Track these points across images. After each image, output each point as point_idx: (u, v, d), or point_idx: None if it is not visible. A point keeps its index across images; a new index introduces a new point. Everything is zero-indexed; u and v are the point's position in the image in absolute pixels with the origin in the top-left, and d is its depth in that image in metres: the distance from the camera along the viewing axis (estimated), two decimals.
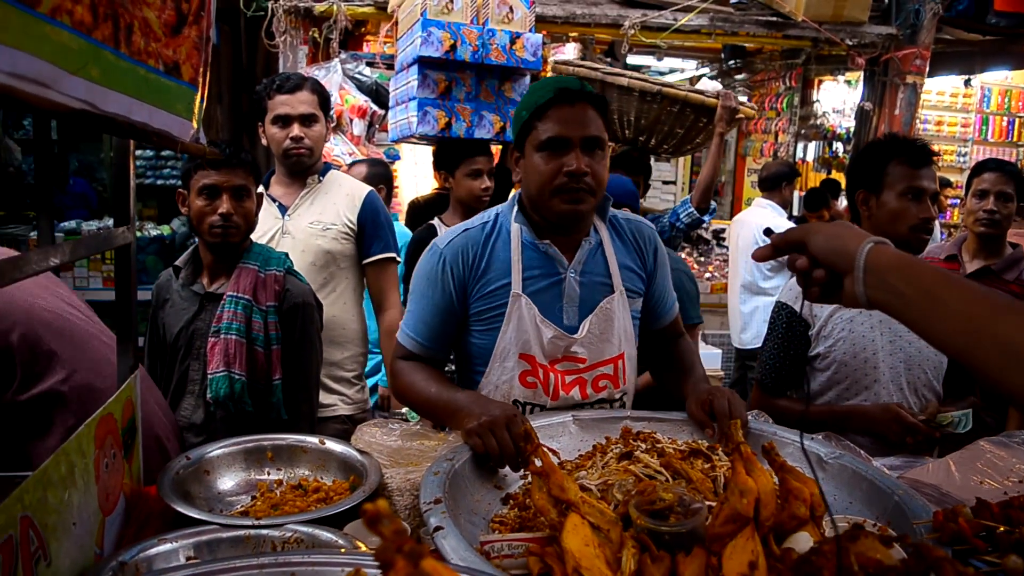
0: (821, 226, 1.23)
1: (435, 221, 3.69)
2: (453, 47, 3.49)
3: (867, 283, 1.12)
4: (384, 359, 3.33)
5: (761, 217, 5.81)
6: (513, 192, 2.23)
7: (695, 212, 3.79)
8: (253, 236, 2.54)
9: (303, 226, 3.05)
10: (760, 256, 1.33)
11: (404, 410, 3.39)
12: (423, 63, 3.58)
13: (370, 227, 3.12)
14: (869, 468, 1.67)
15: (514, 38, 3.55)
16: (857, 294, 1.13)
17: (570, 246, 2.06)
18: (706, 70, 9.64)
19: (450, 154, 3.62)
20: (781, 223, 5.58)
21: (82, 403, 1.86)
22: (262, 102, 3.07)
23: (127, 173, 1.60)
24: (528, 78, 3.72)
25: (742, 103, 3.81)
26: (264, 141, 3.14)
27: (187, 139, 1.36)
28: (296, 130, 3.01)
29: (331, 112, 4.55)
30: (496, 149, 4.30)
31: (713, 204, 4.03)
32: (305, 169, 3.11)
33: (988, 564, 1.20)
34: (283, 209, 3.08)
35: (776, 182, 6.01)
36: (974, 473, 1.82)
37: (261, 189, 2.65)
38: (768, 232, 1.41)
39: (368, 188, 3.25)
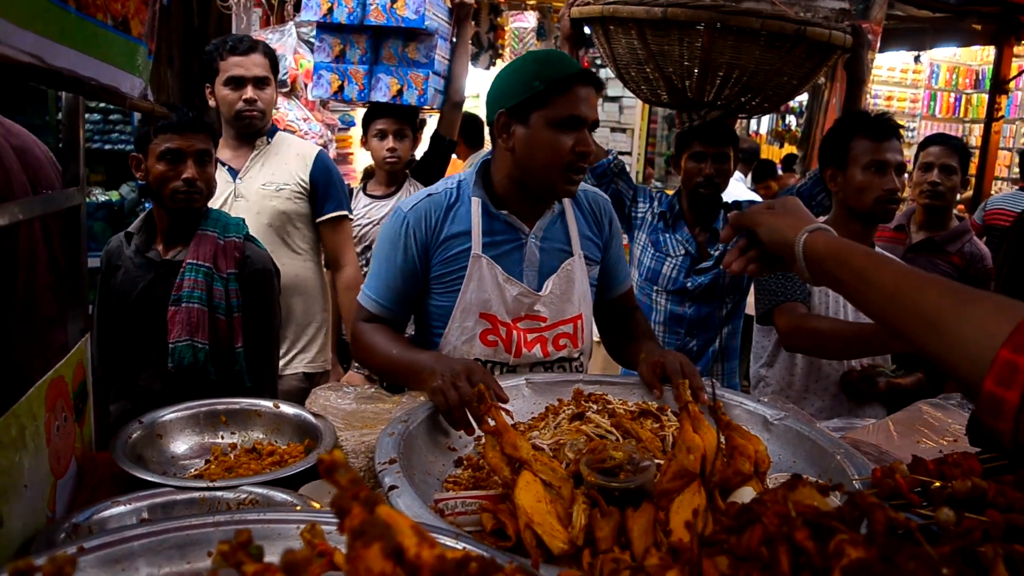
0: (764, 218, 1.34)
1: (355, 187, 3.77)
2: (331, 10, 3.46)
3: (810, 271, 1.24)
4: (343, 316, 3.35)
5: (732, 187, 6.00)
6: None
7: None
8: None
9: (255, 188, 3.04)
10: (725, 237, 1.45)
11: None
12: (321, 28, 3.58)
13: (322, 186, 3.12)
14: (812, 429, 1.72)
15: None
16: (805, 280, 1.27)
17: (531, 215, 2.09)
18: None
19: (366, 118, 3.68)
20: (747, 194, 5.91)
21: None
22: (213, 63, 3.02)
23: (77, 132, 1.57)
24: (436, 39, 3.54)
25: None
26: (212, 103, 3.11)
27: (135, 96, 1.34)
28: (250, 92, 3.00)
29: (279, 76, 4.52)
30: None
31: None
32: (256, 132, 3.10)
33: (922, 517, 1.25)
34: (233, 172, 3.05)
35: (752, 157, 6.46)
36: (912, 433, 1.89)
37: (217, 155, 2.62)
38: (728, 209, 1.50)
39: (318, 147, 3.26)
